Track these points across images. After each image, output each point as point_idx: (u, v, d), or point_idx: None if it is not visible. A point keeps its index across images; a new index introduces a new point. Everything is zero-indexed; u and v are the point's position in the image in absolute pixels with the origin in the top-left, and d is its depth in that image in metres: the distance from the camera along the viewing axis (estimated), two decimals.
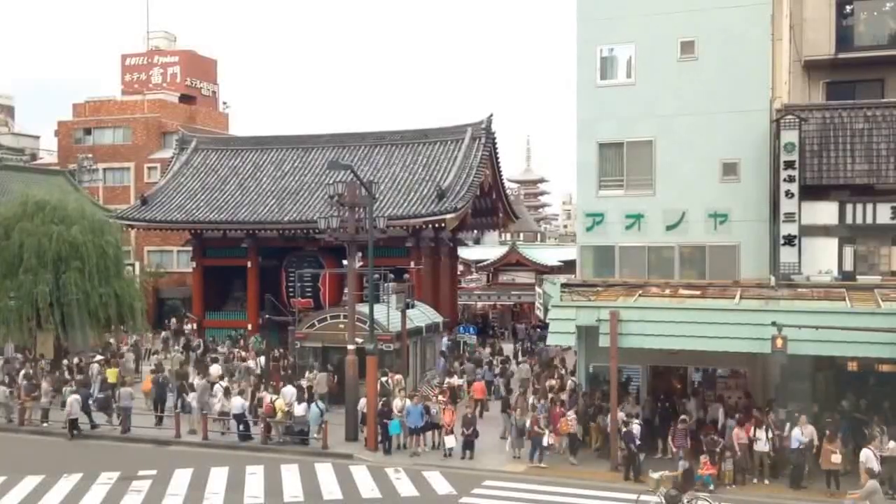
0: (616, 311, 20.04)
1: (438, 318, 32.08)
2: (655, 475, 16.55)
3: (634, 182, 23.88)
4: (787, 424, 19.20)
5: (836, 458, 18.06)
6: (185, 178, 41.24)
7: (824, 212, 21.79)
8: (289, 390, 24.27)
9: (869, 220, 21.51)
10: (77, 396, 24.37)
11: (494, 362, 31.75)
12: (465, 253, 53.97)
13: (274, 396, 23.57)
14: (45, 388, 25.58)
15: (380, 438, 22.09)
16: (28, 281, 29.08)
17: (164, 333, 42.14)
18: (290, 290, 36.77)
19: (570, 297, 21.95)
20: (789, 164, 21.57)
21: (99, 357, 31.21)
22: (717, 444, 19.00)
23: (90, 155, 52.65)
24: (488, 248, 59.40)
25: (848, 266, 21.69)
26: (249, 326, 38.61)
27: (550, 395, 22.85)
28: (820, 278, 21.55)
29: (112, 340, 35.32)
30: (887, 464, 17.64)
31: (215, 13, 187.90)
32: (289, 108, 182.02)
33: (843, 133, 22.27)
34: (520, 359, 33.83)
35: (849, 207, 21.67)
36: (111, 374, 27.82)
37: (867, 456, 16.95)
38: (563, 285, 23.31)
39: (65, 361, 30.84)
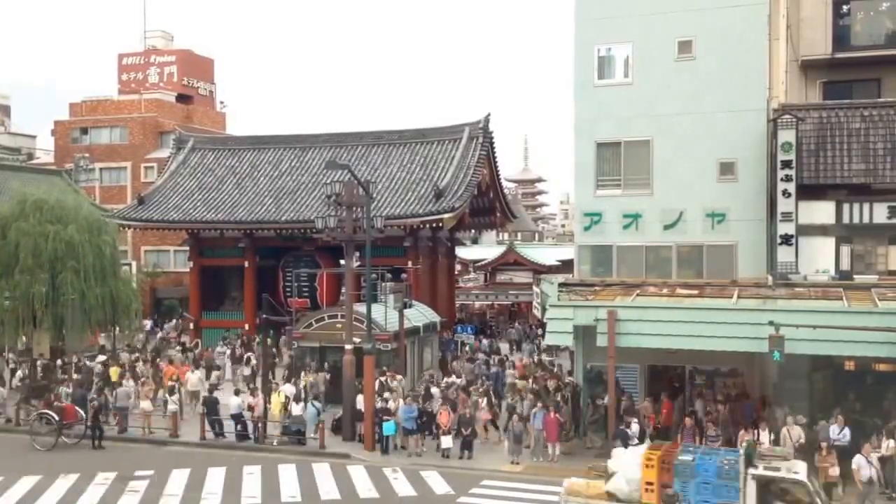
0: (614, 311, 20.05)
1: (436, 318, 32.09)
2: None
3: (632, 182, 23.89)
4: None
5: (834, 472, 17.50)
6: (182, 178, 41.16)
7: (821, 211, 21.81)
8: (288, 388, 24.29)
9: (866, 219, 21.53)
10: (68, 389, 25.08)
11: (492, 361, 31.73)
12: (462, 252, 53.95)
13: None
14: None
15: (377, 438, 22.08)
16: (24, 281, 28.99)
17: (160, 334, 42.06)
18: (288, 289, 36.69)
19: (568, 297, 21.98)
20: (786, 164, 21.58)
21: (102, 357, 31.18)
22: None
23: (87, 154, 52.52)
24: (486, 248, 59.40)
25: (845, 265, 21.72)
26: (247, 326, 38.55)
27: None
28: (817, 277, 21.57)
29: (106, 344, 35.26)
30: (887, 464, 17.62)
31: (212, 12, 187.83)
32: (286, 108, 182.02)
33: (840, 133, 22.30)
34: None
35: (846, 207, 21.69)
36: (114, 374, 27.84)
37: (858, 463, 16.84)
38: (561, 285, 23.33)
39: (59, 361, 30.80)
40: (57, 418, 23.16)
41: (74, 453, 22.68)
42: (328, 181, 28.20)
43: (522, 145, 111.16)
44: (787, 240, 21.58)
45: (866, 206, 21.51)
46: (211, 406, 23.89)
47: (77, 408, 23.80)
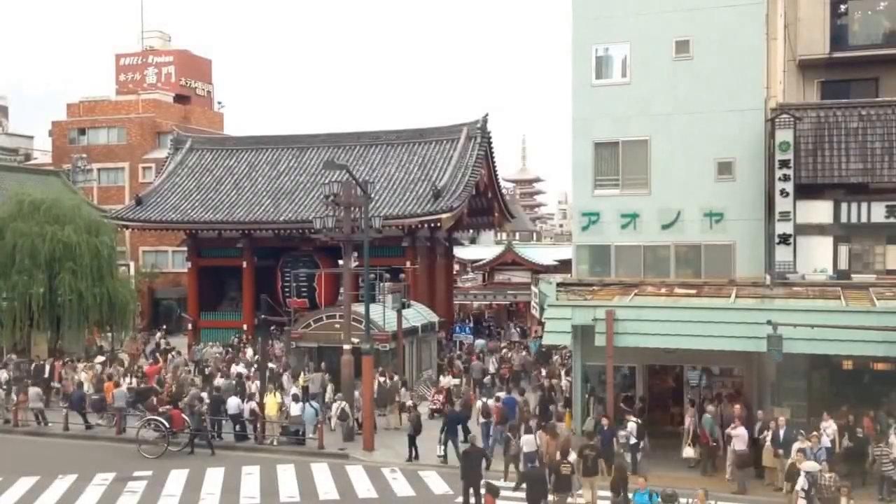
0: (612, 311, 20.04)
1: (434, 318, 32.08)
2: None
3: (630, 181, 23.86)
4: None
5: None
6: (180, 178, 41.15)
7: (819, 210, 21.79)
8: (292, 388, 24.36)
9: (864, 218, 21.50)
10: (37, 389, 25.27)
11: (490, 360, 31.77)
12: (461, 252, 53.95)
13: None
14: (36, 392, 25.48)
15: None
16: (22, 282, 29.01)
17: (158, 334, 41.99)
18: (286, 290, 36.67)
19: (566, 297, 21.96)
20: (784, 163, 21.57)
21: (100, 357, 31.14)
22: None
23: (84, 155, 52.55)
24: (484, 248, 59.39)
25: (843, 265, 21.71)
26: (245, 327, 38.55)
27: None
28: (815, 277, 21.57)
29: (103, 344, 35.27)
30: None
31: (210, 13, 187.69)
32: (284, 108, 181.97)
33: (838, 132, 22.28)
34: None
35: (843, 206, 21.66)
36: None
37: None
38: (559, 284, 23.32)
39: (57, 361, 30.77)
40: (167, 425, 21.98)
41: (73, 454, 22.62)
42: (326, 181, 28.19)
43: (520, 145, 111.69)
44: (784, 239, 21.58)
45: (864, 206, 21.47)
46: (215, 406, 23.79)
47: (183, 414, 22.67)
